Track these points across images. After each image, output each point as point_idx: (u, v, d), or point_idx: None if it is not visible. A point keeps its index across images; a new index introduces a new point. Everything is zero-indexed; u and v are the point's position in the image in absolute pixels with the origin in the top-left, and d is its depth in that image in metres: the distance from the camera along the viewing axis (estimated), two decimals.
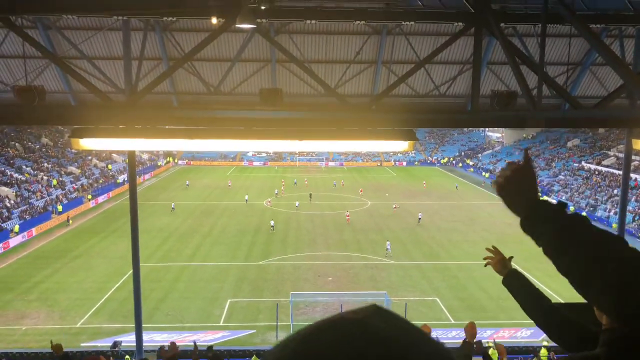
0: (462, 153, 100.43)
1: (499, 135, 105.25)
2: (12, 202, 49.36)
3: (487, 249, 2.89)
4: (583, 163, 70.78)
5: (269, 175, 79.68)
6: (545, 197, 2.13)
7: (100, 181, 66.47)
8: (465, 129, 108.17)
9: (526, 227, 1.60)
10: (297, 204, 56.80)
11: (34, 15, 12.77)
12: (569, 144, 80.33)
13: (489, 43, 13.78)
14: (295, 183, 72.76)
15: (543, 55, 11.67)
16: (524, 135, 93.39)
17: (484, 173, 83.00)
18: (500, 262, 2.81)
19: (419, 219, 51.20)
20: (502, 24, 10.48)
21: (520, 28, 13.15)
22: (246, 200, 60.30)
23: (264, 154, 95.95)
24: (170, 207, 55.74)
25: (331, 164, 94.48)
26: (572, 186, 64.99)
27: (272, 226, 47.47)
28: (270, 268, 37.29)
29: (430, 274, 36.54)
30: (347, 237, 45.61)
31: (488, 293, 32.71)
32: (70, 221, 50.10)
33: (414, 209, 57.06)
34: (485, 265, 2.89)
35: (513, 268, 2.71)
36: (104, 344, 25.15)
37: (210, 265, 37.70)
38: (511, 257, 2.83)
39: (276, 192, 65.65)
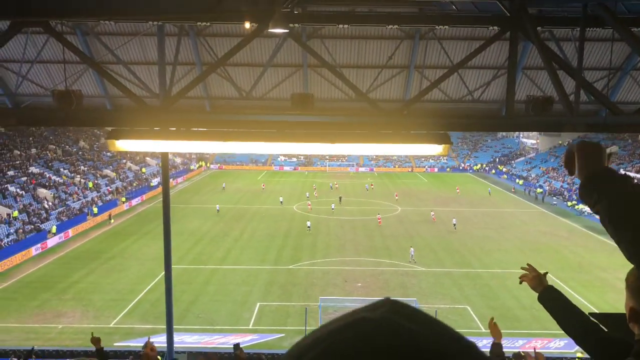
0: (496, 159, 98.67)
1: (533, 141, 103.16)
2: (50, 203, 50.83)
3: (522, 268, 2.81)
4: (622, 171, 68.65)
5: (299, 180, 79.97)
6: None
7: (134, 184, 67.87)
8: (498, 135, 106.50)
9: (587, 187, 1.56)
10: (332, 207, 58.01)
11: (73, 21, 13.11)
12: (607, 150, 77.88)
13: (524, 47, 13.49)
14: (331, 188, 73.25)
15: (581, 60, 11.34)
16: (560, 142, 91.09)
17: (517, 180, 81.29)
18: (536, 279, 2.73)
19: (454, 225, 50.65)
20: (538, 28, 10.24)
21: (558, 32, 12.84)
22: (281, 201, 61.12)
23: (294, 159, 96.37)
24: (206, 210, 56.51)
25: (361, 169, 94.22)
26: None
27: (309, 227, 48.94)
28: (300, 272, 37.33)
29: (461, 281, 35.97)
30: (377, 243, 45.33)
31: (521, 302, 31.99)
32: (112, 220, 52.46)
33: (445, 216, 56.33)
34: (520, 283, 2.79)
35: (549, 284, 2.58)
36: (136, 344, 25.55)
37: (241, 269, 37.99)
38: (546, 273, 2.73)
39: (310, 195, 66.98)
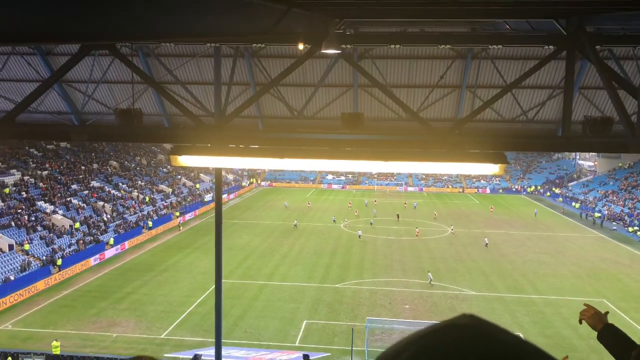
0: (551, 181, 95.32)
1: (590, 163, 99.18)
2: (109, 216, 53.00)
3: (581, 312, 2.72)
4: None
5: (347, 199, 79.93)
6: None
7: (188, 199, 69.80)
8: (554, 157, 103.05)
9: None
10: (371, 222, 58.01)
11: (137, 44, 13.83)
12: None
13: (581, 66, 13.18)
14: (366, 205, 73.24)
15: None
16: (620, 164, 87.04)
17: (574, 203, 78.12)
18: (595, 317, 2.66)
19: (486, 244, 51.04)
20: (597, 47, 10.01)
21: (617, 50, 12.48)
22: (334, 220, 62.04)
23: (342, 177, 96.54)
24: (256, 225, 57.46)
25: (410, 188, 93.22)
26: None
27: (360, 236, 52.24)
28: (347, 291, 37.15)
29: (514, 307, 34.77)
30: (425, 264, 44.57)
31: (577, 331, 30.54)
32: (181, 227, 57.28)
33: (498, 239, 54.84)
34: (580, 322, 2.74)
35: (608, 322, 2.52)
36: (186, 356, 26.09)
37: (288, 285, 38.20)
38: (607, 313, 2.66)
39: (374, 212, 68.25)
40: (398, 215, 64.37)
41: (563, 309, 34.24)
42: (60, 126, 15.61)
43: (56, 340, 26.75)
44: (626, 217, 65.14)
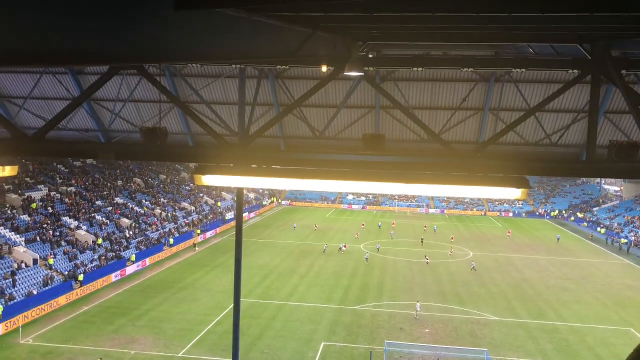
0: (575, 206, 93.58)
1: (616, 188, 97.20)
2: (131, 232, 53.62)
3: None
4: None
5: (367, 219, 79.55)
6: None
7: (210, 217, 70.29)
8: (578, 181, 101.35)
9: None
10: (378, 247, 57.08)
11: (165, 64, 14.18)
12: None
13: (607, 90, 13.06)
14: (379, 227, 72.63)
15: None
16: None
17: (599, 229, 76.42)
18: None
19: (472, 267, 50.11)
20: (622, 71, 9.93)
21: None
22: (324, 250, 58.23)
23: (362, 198, 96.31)
24: (276, 245, 57.48)
25: (431, 210, 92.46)
26: None
27: (367, 259, 52.38)
28: (366, 314, 36.77)
29: (536, 333, 33.95)
30: (446, 288, 43.95)
31: None
32: (196, 247, 56.10)
33: (520, 263, 53.89)
34: None
35: None
36: None
37: (306, 306, 37.98)
38: None
39: (392, 233, 67.93)
40: (422, 240, 63.29)
41: (588, 337, 33.33)
42: (88, 144, 15.98)
43: (100, 358, 26.92)
44: None
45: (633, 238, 67.87)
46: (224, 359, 27.16)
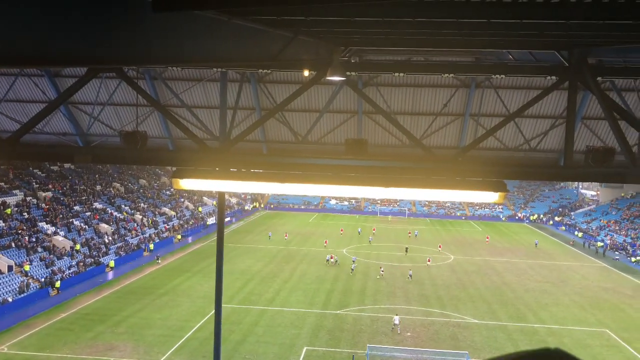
0: (553, 210, 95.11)
1: (593, 193, 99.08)
2: (110, 238, 52.88)
3: None
4: None
5: (349, 224, 79.69)
6: None
7: (191, 222, 69.71)
8: (556, 186, 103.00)
9: None
10: (353, 267, 50.27)
11: (145, 67, 14.03)
12: None
13: (583, 97, 13.29)
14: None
15: None
16: (622, 194, 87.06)
17: (576, 232, 77.74)
18: None
19: (410, 276, 47.65)
20: (599, 78, 10.12)
21: (619, 82, 12.60)
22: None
23: (345, 203, 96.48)
24: (257, 250, 57.12)
25: (413, 215, 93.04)
26: None
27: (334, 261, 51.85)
28: (348, 318, 36.75)
29: (516, 336, 34.31)
30: (428, 291, 44.18)
31: None
32: (160, 260, 51.99)
33: (500, 267, 54.45)
34: None
35: None
36: None
37: (289, 311, 37.83)
38: None
39: (370, 239, 67.00)
40: (407, 249, 60.04)
41: (566, 339, 33.80)
42: (64, 147, 15.72)
43: None
44: (629, 247, 64.73)
45: (609, 241, 69.15)
46: None
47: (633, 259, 60.29)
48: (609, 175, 11.29)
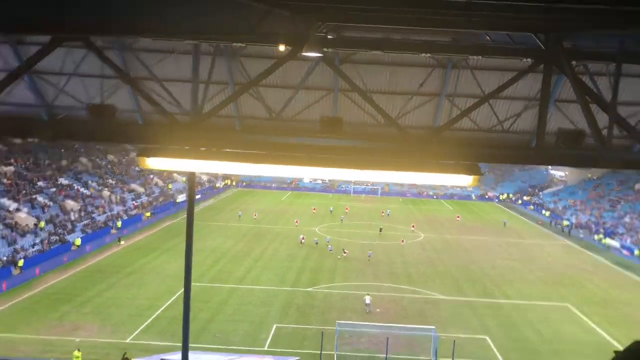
0: (523, 190, 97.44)
1: (562, 174, 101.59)
2: (77, 215, 51.68)
3: None
4: None
5: (322, 202, 79.89)
6: None
7: (160, 199, 68.71)
8: (526, 166, 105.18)
9: None
10: (329, 246, 50.59)
11: (112, 37, 13.48)
12: (637, 186, 76.42)
13: (557, 80, 13.37)
14: (331, 212, 71.97)
15: (616, 95, 11.18)
16: (589, 175, 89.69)
17: (544, 212, 79.96)
18: None
19: (369, 257, 47.28)
20: (573, 62, 10.15)
21: (592, 66, 12.70)
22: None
23: (319, 181, 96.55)
24: (228, 228, 56.80)
25: (386, 194, 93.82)
26: (639, 229, 61.53)
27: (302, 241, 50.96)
28: (318, 295, 37.04)
29: (482, 311, 35.25)
30: (397, 269, 44.81)
31: (542, 335, 31.31)
32: (122, 242, 49.97)
33: (469, 245, 55.56)
34: None
35: None
36: None
37: (259, 289, 37.88)
38: None
39: (342, 218, 66.86)
40: (381, 229, 59.79)
41: (529, 314, 34.94)
42: (25, 120, 15.08)
43: (78, 349, 25.31)
44: (593, 226, 66.99)
45: (575, 220, 71.31)
46: (174, 343, 26.71)
47: (596, 237, 62.48)
48: (581, 159, 11.40)
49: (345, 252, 48.13)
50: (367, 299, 34.35)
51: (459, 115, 11.91)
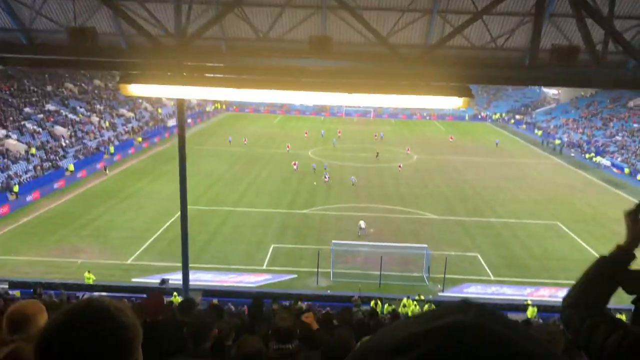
0: (515, 110, 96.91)
1: (555, 91, 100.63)
2: (67, 141, 51.35)
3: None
4: None
5: (314, 126, 79.51)
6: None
7: (150, 124, 68.11)
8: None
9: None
10: (313, 165, 51.48)
11: None
12: (630, 104, 76.12)
13: None
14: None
15: (613, 8, 10.85)
16: (582, 93, 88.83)
17: (536, 131, 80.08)
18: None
19: (353, 183, 46.41)
20: None
21: None
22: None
23: (311, 104, 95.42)
24: (221, 152, 56.84)
25: (379, 116, 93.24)
26: (630, 147, 62.04)
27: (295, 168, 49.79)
28: (314, 217, 37.78)
29: (473, 230, 36.20)
30: (390, 190, 45.46)
31: (531, 252, 32.34)
32: (108, 171, 49.00)
33: (461, 166, 56.04)
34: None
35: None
36: (153, 280, 26.45)
37: (255, 212, 38.51)
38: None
39: (334, 141, 65.74)
40: (377, 154, 58.59)
41: (519, 232, 35.90)
42: (1, 46, 14.59)
43: (88, 271, 25.99)
44: (584, 144, 67.38)
45: (566, 139, 71.66)
46: (174, 264, 27.50)
47: (587, 156, 63.07)
48: (575, 77, 11.23)
49: (326, 179, 47.19)
50: (362, 224, 34.47)
51: (451, 32, 11.58)
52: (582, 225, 37.79)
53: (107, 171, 49.12)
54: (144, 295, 22.91)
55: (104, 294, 24.04)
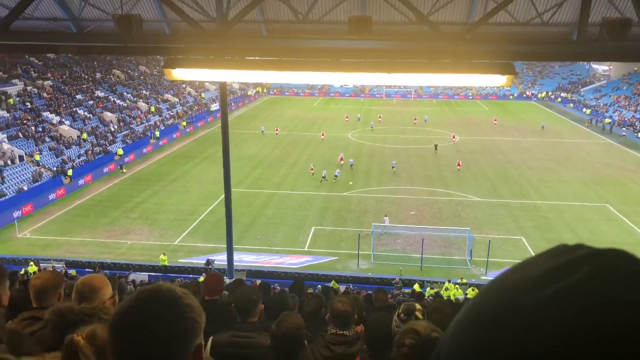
0: (562, 87, 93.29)
1: (605, 67, 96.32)
2: (116, 126, 53.04)
3: None
4: None
5: (354, 108, 79.09)
6: None
7: (195, 109, 69.40)
8: (567, 62, 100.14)
9: None
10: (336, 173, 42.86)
11: None
12: None
13: None
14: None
15: None
16: (635, 69, 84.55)
17: (585, 110, 76.96)
18: None
19: (393, 167, 44.29)
20: None
21: None
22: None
23: (350, 86, 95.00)
24: (262, 135, 57.44)
25: (420, 97, 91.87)
26: None
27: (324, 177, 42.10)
28: (354, 199, 37.83)
29: (517, 212, 35.42)
30: (432, 172, 44.93)
31: (578, 235, 31.38)
32: (125, 170, 45.30)
33: (505, 146, 54.75)
34: None
35: None
36: (199, 260, 27.24)
37: (297, 194, 38.89)
38: None
39: (372, 125, 64.47)
40: (436, 146, 52.11)
41: (565, 214, 34.87)
42: (53, 35, 15.14)
43: (164, 254, 26.95)
44: (637, 123, 64.35)
45: (617, 118, 68.67)
46: (219, 245, 28.23)
47: (639, 135, 60.24)
48: (627, 51, 10.81)
49: (336, 175, 42.56)
50: (387, 220, 32.05)
51: (494, 8, 11.30)
52: (634, 207, 36.34)
53: (124, 170, 45.29)
54: (190, 276, 23.65)
55: (148, 274, 25.01)
